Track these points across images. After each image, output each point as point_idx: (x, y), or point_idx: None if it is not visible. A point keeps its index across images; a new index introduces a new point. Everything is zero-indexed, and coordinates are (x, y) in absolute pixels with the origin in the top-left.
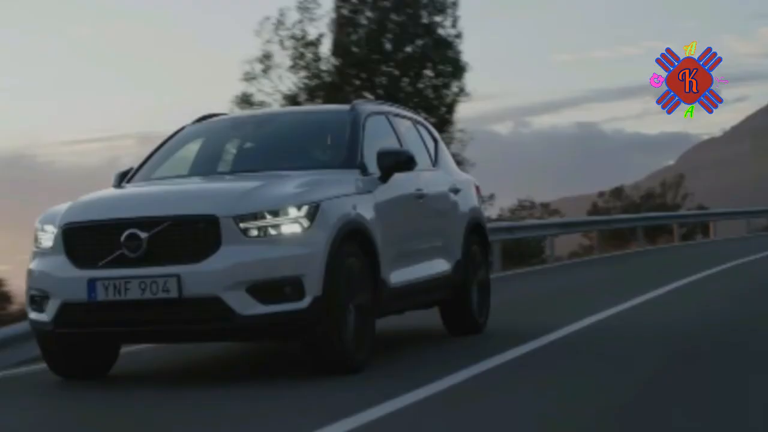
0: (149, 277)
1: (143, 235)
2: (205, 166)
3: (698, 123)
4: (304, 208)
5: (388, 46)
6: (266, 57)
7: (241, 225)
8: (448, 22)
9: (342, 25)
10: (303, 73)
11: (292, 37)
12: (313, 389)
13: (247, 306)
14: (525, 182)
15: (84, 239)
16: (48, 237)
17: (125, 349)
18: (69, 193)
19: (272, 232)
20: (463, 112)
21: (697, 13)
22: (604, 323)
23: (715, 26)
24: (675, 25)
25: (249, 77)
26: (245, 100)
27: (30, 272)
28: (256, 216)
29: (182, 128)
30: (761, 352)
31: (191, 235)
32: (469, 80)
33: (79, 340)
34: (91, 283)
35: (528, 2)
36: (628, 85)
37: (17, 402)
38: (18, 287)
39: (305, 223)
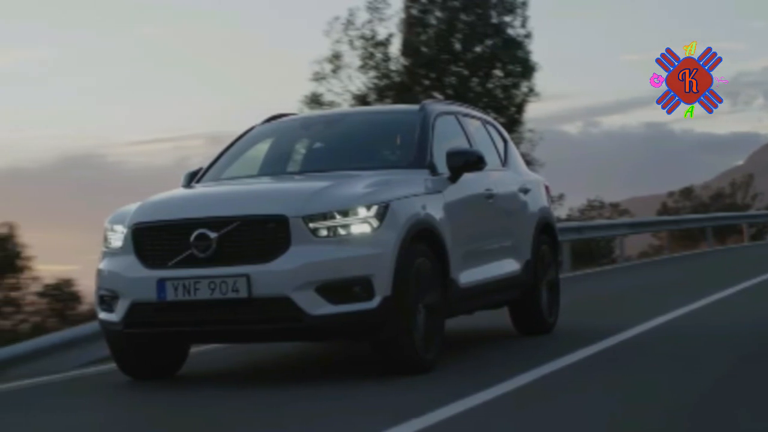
0: (219, 277)
1: (213, 235)
2: (274, 166)
3: None
4: (374, 208)
5: (457, 46)
6: (336, 57)
7: (311, 225)
8: (517, 22)
9: (411, 25)
10: (372, 73)
11: (362, 37)
12: (381, 389)
13: (317, 306)
14: (594, 182)
15: (153, 239)
16: (117, 237)
17: (194, 349)
18: (138, 193)
19: (342, 232)
20: (532, 111)
21: (765, 13)
22: (674, 323)
23: None
24: (743, 25)
25: (318, 77)
26: (315, 100)
27: (99, 272)
28: (325, 216)
29: (252, 128)
30: None
31: (261, 235)
32: (539, 80)
33: (149, 340)
34: (161, 283)
35: (596, 2)
36: None
37: (87, 401)
38: (87, 287)
39: (375, 223)
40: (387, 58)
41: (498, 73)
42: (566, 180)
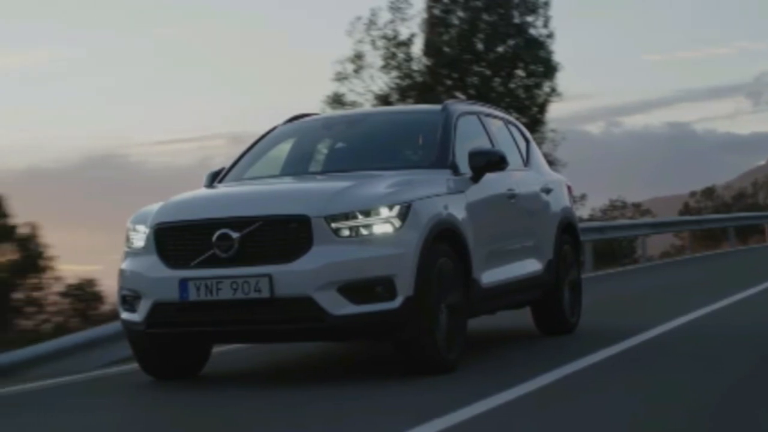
0: (241, 277)
1: (235, 235)
2: (296, 166)
3: None
4: (396, 208)
5: (479, 46)
6: (358, 57)
7: (333, 225)
8: (539, 22)
9: (434, 25)
10: (394, 73)
11: (384, 37)
12: (403, 389)
13: (339, 306)
14: (616, 182)
15: (176, 239)
16: (140, 237)
17: (216, 349)
18: (160, 193)
19: (364, 232)
20: (554, 112)
21: None
22: (696, 323)
23: None
24: (766, 24)
25: (341, 77)
26: (337, 100)
27: (122, 272)
28: (347, 216)
29: (274, 128)
30: None
31: (283, 235)
32: (561, 80)
33: (171, 340)
34: (183, 283)
35: (618, 3)
36: (719, 85)
37: (109, 401)
38: (110, 287)
39: (397, 223)
40: (409, 58)
41: (520, 73)
42: (588, 180)
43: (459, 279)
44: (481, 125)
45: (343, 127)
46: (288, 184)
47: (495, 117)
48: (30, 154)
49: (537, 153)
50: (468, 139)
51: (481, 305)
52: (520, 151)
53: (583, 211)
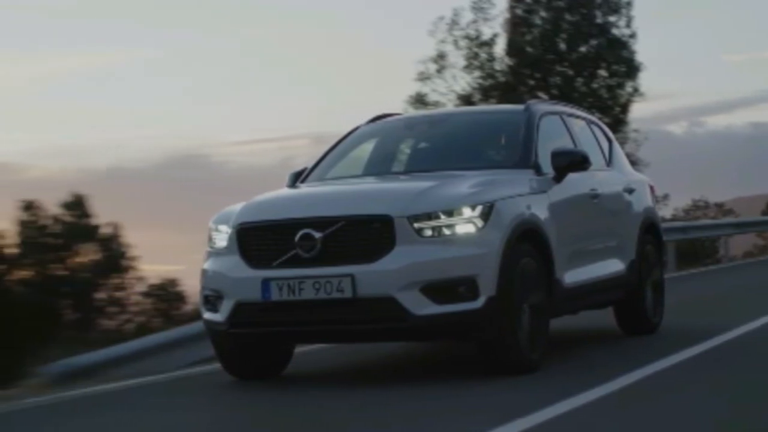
0: (323, 277)
1: (317, 235)
2: (379, 166)
3: None
4: (479, 208)
5: (562, 46)
6: (440, 57)
7: (416, 225)
8: (622, 22)
9: (516, 24)
10: (477, 73)
11: (467, 36)
12: (486, 389)
13: (421, 306)
14: (699, 182)
15: (258, 239)
16: (222, 237)
17: (299, 349)
18: (243, 193)
19: (446, 232)
20: (637, 112)
21: None
22: None
23: None
24: None
25: (423, 77)
26: (419, 100)
27: (204, 272)
28: (430, 216)
29: (356, 128)
30: None
31: (365, 235)
32: (643, 80)
33: (253, 340)
34: (266, 283)
35: (701, 2)
36: None
37: (191, 401)
38: (192, 287)
39: (479, 223)
40: (492, 58)
41: (603, 73)
42: (671, 180)
43: (542, 279)
44: (564, 125)
45: (425, 127)
46: (370, 184)
47: (577, 117)
48: (113, 154)
49: (619, 153)
50: (550, 139)
51: (564, 305)
52: (602, 151)
53: (665, 211)
